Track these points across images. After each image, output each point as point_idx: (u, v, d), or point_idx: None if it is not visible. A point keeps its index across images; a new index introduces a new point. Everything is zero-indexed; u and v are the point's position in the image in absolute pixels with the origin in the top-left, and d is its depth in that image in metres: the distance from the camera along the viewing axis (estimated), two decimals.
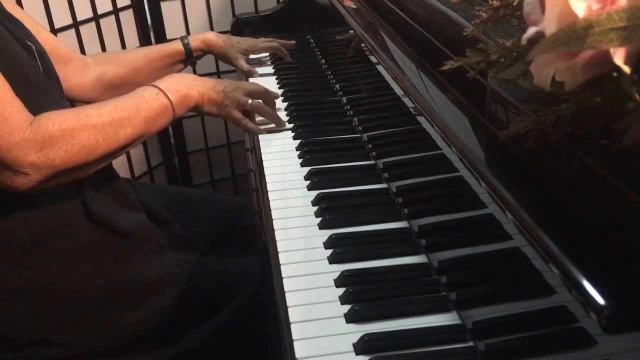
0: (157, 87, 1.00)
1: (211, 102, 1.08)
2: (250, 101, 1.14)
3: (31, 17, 1.11)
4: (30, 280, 0.93)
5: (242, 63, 1.41)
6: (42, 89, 0.94)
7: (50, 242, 0.94)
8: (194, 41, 1.35)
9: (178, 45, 1.33)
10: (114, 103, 0.95)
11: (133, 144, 0.98)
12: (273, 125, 1.19)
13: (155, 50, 1.33)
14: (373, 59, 1.05)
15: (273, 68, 1.50)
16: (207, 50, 1.38)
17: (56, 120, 0.87)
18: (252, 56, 1.49)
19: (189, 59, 1.35)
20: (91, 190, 0.99)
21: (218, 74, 1.87)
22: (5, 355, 0.95)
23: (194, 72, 1.79)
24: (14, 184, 0.85)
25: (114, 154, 0.95)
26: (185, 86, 1.04)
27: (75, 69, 1.19)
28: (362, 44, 1.12)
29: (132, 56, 1.30)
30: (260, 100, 1.17)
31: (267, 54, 1.54)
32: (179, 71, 1.36)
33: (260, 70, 1.46)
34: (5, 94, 0.83)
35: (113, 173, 1.07)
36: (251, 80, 1.40)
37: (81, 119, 0.89)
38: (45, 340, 0.95)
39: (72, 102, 1.20)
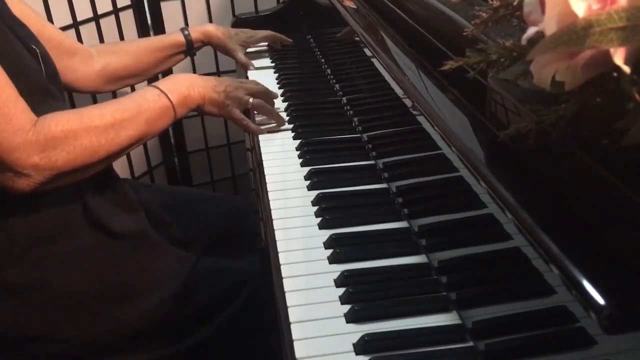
0: (158, 88, 1.01)
1: (212, 103, 1.09)
2: (251, 100, 1.14)
3: (36, 12, 1.12)
4: (31, 278, 0.94)
5: (240, 55, 1.45)
6: (44, 93, 0.95)
7: (50, 241, 0.95)
8: (194, 32, 1.39)
9: (179, 37, 1.38)
10: (116, 104, 0.96)
11: (134, 145, 0.98)
12: (274, 125, 1.19)
13: (157, 40, 1.39)
14: (373, 58, 1.05)
15: (271, 61, 1.52)
16: (206, 41, 1.42)
17: (59, 122, 0.88)
18: (250, 50, 1.53)
19: (189, 50, 1.40)
20: (91, 192, 0.99)
21: (218, 73, 1.87)
22: (7, 353, 0.95)
23: (194, 71, 1.79)
24: (15, 185, 0.85)
25: (115, 155, 0.96)
26: (186, 87, 1.04)
27: (80, 61, 1.21)
28: (358, 39, 1.12)
29: (134, 47, 1.34)
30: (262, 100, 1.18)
31: (265, 47, 1.57)
32: (179, 62, 1.41)
33: (258, 63, 1.48)
34: (10, 95, 0.84)
35: (113, 175, 1.07)
36: (248, 73, 1.44)
37: (84, 121, 0.90)
38: (46, 337, 0.95)
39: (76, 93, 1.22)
